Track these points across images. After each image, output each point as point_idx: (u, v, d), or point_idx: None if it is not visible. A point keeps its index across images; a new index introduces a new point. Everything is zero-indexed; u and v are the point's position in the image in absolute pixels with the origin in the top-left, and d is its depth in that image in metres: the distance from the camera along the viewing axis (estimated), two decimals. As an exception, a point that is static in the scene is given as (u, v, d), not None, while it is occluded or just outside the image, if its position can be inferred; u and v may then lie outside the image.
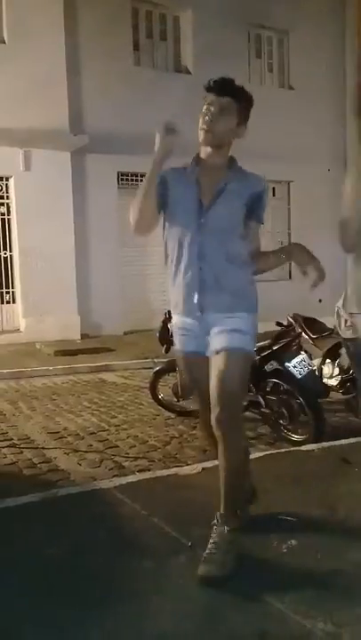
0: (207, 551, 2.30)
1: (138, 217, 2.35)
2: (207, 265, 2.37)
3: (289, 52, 12.90)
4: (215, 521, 2.40)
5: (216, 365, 2.34)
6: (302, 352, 4.32)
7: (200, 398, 2.54)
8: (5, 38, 9.86)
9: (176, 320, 2.51)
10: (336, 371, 5.10)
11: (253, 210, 2.43)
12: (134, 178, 10.87)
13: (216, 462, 3.64)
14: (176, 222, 2.41)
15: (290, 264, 14.37)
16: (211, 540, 2.33)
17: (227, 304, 2.38)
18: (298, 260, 2.47)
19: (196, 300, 2.38)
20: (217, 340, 2.37)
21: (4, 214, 10.15)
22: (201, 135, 2.38)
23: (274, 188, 12.80)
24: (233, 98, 2.37)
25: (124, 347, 9.25)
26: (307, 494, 3.04)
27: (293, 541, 2.50)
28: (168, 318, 4.78)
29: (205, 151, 2.42)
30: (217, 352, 2.35)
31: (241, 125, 2.43)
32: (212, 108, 2.34)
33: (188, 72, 11.70)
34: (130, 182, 10.94)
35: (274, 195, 12.85)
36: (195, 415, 4.97)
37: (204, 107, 2.36)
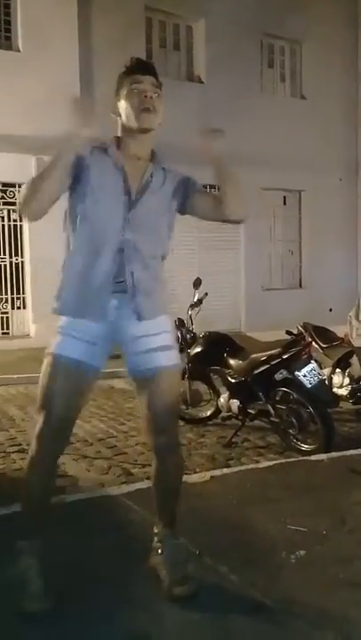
0: (172, 571, 2.17)
1: (34, 201, 2.05)
2: (130, 263, 2.12)
3: (302, 62, 12.93)
4: (158, 543, 2.28)
5: (159, 386, 2.15)
6: (312, 361, 4.31)
7: (53, 417, 2.18)
8: (20, 47, 9.97)
9: (69, 321, 2.15)
10: (346, 380, 5.08)
11: (189, 188, 2.23)
12: (146, 185, 10.92)
13: (225, 470, 3.65)
14: (97, 212, 2.12)
15: (300, 274, 14.19)
16: (169, 561, 2.20)
17: (148, 308, 2.14)
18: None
19: (112, 303, 2.12)
20: (151, 358, 2.15)
21: (15, 221, 10.22)
22: (139, 117, 2.10)
23: (285, 197, 12.82)
24: (157, 80, 2.18)
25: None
26: (316, 504, 3.02)
27: (302, 552, 2.48)
28: (178, 325, 4.79)
29: (134, 137, 2.16)
30: (154, 371, 2.15)
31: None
32: (146, 86, 2.11)
33: (200, 81, 11.76)
34: (141, 190, 11.00)
35: (285, 204, 12.86)
36: (203, 422, 4.97)
37: (133, 85, 2.12)
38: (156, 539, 2.31)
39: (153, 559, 2.29)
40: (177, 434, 2.31)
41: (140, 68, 2.18)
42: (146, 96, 2.10)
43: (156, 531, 2.31)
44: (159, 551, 2.26)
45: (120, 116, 2.19)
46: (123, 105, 2.16)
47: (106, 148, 2.17)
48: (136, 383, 2.24)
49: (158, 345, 2.16)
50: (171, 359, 2.18)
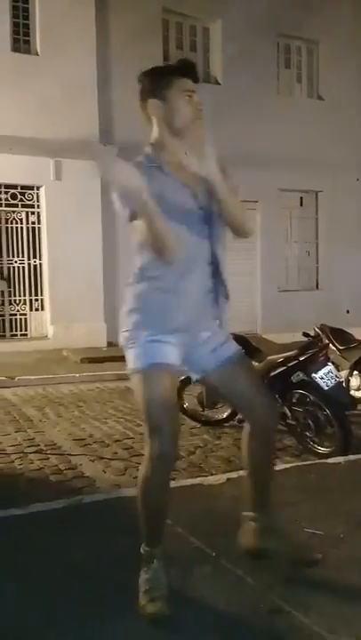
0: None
1: (168, 247, 1.97)
2: (221, 274, 2.14)
3: (318, 63, 12.88)
4: (264, 527, 2.37)
5: (238, 368, 2.25)
6: (329, 363, 4.28)
7: (166, 429, 2.08)
8: (39, 50, 10.06)
9: (150, 333, 2.07)
10: (364, 383, 5.04)
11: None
12: (162, 187, 10.95)
13: (241, 473, 3.63)
14: (182, 232, 2.02)
15: (317, 276, 14.08)
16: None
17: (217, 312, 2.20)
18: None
19: (211, 315, 2.16)
20: (222, 352, 2.20)
21: (34, 223, 10.31)
22: (194, 128, 2.05)
23: (302, 198, 12.77)
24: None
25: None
26: (333, 507, 3.00)
27: (318, 555, 2.47)
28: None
29: (177, 143, 2.07)
30: (228, 360, 2.20)
31: None
32: (197, 97, 2.06)
33: (217, 82, 11.77)
34: (158, 192, 11.03)
35: (302, 204, 12.81)
36: (220, 425, 4.97)
37: (188, 93, 2.04)
38: (257, 524, 2.36)
39: (263, 542, 2.35)
40: (274, 401, 2.50)
41: (193, 73, 2.09)
42: (200, 106, 2.06)
43: (254, 515, 2.37)
44: (269, 535, 2.35)
45: (159, 117, 2.09)
46: (172, 108, 2.05)
47: (155, 165, 2.06)
48: (221, 375, 2.23)
49: (222, 340, 2.23)
50: (236, 347, 2.28)
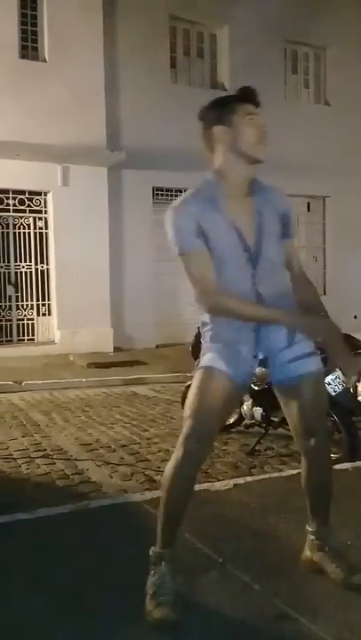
0: (342, 564, 2.28)
1: (221, 313, 2.14)
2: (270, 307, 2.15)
3: (326, 68, 12.90)
4: (317, 541, 2.36)
5: (308, 391, 2.22)
6: (337, 369, 4.26)
7: (201, 428, 2.14)
8: (47, 57, 10.13)
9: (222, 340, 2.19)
10: (371, 388, 5.01)
11: (284, 231, 2.24)
12: (169, 193, 10.98)
13: (248, 478, 3.64)
14: (227, 273, 2.12)
15: (324, 281, 14.04)
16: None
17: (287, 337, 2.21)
18: (328, 346, 2.16)
19: (253, 352, 2.19)
20: (297, 366, 2.20)
21: (41, 228, 10.36)
22: (258, 148, 2.12)
23: (309, 204, 12.77)
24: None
25: (156, 360, 9.28)
26: (340, 514, 2.97)
27: None
28: (199, 332, 4.78)
29: (242, 170, 2.15)
30: (301, 378, 2.20)
31: None
32: (259, 118, 2.13)
33: (224, 88, 11.79)
34: (165, 197, 11.05)
35: (309, 210, 12.81)
36: (227, 430, 4.95)
37: (253, 117, 2.12)
38: (313, 537, 2.37)
39: (316, 555, 2.36)
40: (327, 436, 2.38)
41: (253, 98, 2.16)
42: (264, 129, 2.12)
43: (311, 529, 2.38)
44: (323, 548, 2.34)
45: (225, 143, 2.13)
46: (237, 132, 2.11)
47: (212, 197, 2.12)
48: (282, 392, 2.29)
49: (302, 352, 2.20)
50: (315, 365, 2.24)
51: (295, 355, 2.20)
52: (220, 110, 2.15)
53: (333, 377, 4.15)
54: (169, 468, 2.19)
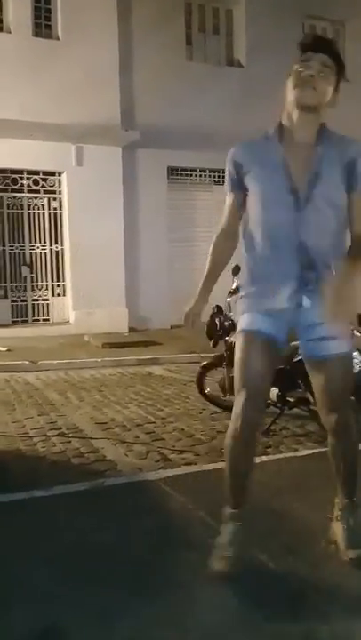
0: (349, 537, 2.31)
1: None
2: (310, 262, 2.10)
3: (345, 43, 12.62)
4: (339, 512, 2.40)
5: (332, 371, 2.22)
6: (357, 351, 4.22)
7: (248, 390, 2.19)
8: (60, 35, 10.02)
9: (255, 301, 2.21)
10: (388, 369, 4.97)
11: (351, 180, 2.10)
12: (184, 173, 10.89)
13: (263, 458, 3.64)
14: (267, 217, 2.13)
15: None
16: (346, 527, 2.33)
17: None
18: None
19: (296, 298, 2.13)
20: (326, 346, 2.18)
21: (56, 209, 10.34)
22: (296, 93, 2.05)
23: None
24: (332, 58, 2.08)
25: (171, 340, 9.28)
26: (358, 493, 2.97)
27: (342, 541, 2.45)
28: (216, 313, 4.76)
29: (296, 118, 2.09)
30: (327, 357, 2.20)
31: (337, 92, 2.13)
32: (313, 64, 2.04)
33: (240, 65, 11.61)
34: (180, 177, 10.96)
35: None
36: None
37: (299, 64, 2.06)
38: (338, 508, 2.41)
39: (334, 525, 2.41)
40: (349, 414, 2.36)
41: (310, 45, 2.10)
42: (308, 74, 2.04)
43: (336, 500, 2.42)
44: (342, 519, 2.37)
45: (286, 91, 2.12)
46: (289, 80, 2.09)
47: (268, 140, 2.15)
48: (310, 366, 2.30)
49: (331, 334, 2.16)
50: (342, 347, 2.21)
51: (324, 334, 2.16)
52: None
53: (350, 357, 4.11)
54: (228, 436, 2.26)
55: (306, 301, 2.13)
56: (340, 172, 2.09)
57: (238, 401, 2.22)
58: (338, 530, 2.38)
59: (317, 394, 2.33)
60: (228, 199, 2.30)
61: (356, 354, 4.16)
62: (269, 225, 2.14)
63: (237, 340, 2.26)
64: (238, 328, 2.26)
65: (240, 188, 2.22)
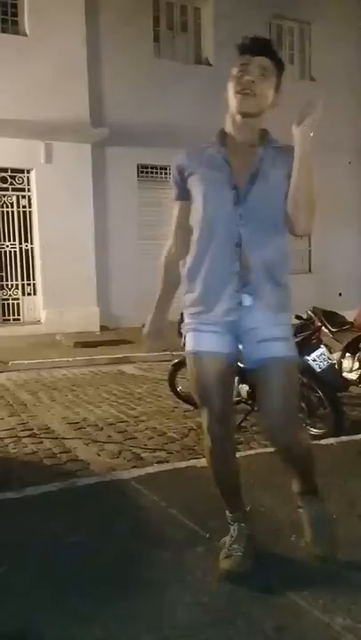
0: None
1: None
2: (249, 257, 2.08)
3: (311, 43, 12.76)
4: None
5: (272, 376, 2.11)
6: (322, 345, 4.30)
7: (208, 409, 2.18)
8: (27, 31, 9.91)
9: (196, 317, 2.19)
10: (356, 364, 5.08)
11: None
12: (154, 170, 10.87)
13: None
14: (209, 211, 2.11)
15: (310, 258, 14.04)
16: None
17: (274, 302, 2.13)
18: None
19: (236, 297, 2.10)
20: (265, 348, 2.11)
21: (25, 207, 10.24)
22: (237, 100, 2.05)
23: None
24: (271, 59, 2.07)
25: (142, 339, 9.25)
26: (325, 488, 3.01)
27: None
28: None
29: (237, 123, 2.11)
30: (268, 362, 2.11)
31: (278, 93, 2.13)
32: (251, 68, 2.03)
33: (208, 64, 11.65)
34: (150, 175, 10.95)
35: (294, 187, 12.76)
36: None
37: (238, 68, 2.05)
38: (299, 502, 2.41)
39: (303, 521, 2.40)
40: (296, 434, 2.24)
41: (248, 47, 2.08)
42: (249, 80, 2.03)
43: (300, 497, 2.40)
44: (305, 515, 2.38)
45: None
46: (229, 84, 2.10)
47: (211, 142, 2.17)
48: (254, 376, 2.21)
49: (272, 336, 2.11)
50: (285, 350, 2.13)
51: (264, 337, 2.11)
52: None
53: (319, 353, 4.19)
54: (205, 453, 2.31)
55: (247, 299, 2.10)
56: (282, 178, 2.06)
57: (203, 417, 2.22)
58: (305, 526, 2.39)
59: (260, 407, 2.22)
60: (175, 210, 2.27)
61: (323, 350, 4.24)
62: (210, 219, 2.11)
63: (188, 360, 2.23)
64: (186, 348, 2.23)
65: (185, 194, 2.19)
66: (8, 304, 10.35)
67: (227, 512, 2.36)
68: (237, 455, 3.63)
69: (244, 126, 2.11)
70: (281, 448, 2.23)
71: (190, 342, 2.21)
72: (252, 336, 2.14)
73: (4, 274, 10.25)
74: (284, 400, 2.12)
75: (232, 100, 2.08)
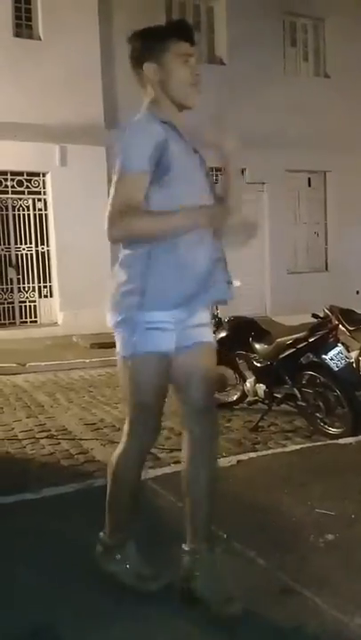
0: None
1: (130, 236, 1.96)
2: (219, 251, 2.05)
3: (325, 40, 12.66)
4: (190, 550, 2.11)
5: (194, 360, 2.05)
6: (339, 344, 4.26)
7: (153, 414, 2.13)
8: (41, 35, 9.97)
9: (162, 315, 1.96)
10: (374, 363, 5.02)
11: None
12: (169, 171, 10.87)
13: (252, 455, 3.65)
14: (189, 191, 1.94)
15: (326, 256, 13.89)
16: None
17: None
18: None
19: (224, 274, 2.04)
20: (199, 333, 2.06)
21: (41, 210, 10.29)
22: (191, 94, 1.96)
23: (310, 179, 12.64)
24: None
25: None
26: (343, 488, 3.00)
27: (330, 535, 2.48)
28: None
29: (176, 112, 2.00)
30: (200, 345, 2.05)
31: None
32: (196, 59, 1.95)
33: (222, 63, 11.61)
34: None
35: (310, 185, 12.68)
36: (230, 407, 4.97)
37: (183, 56, 1.93)
38: (188, 556, 2.11)
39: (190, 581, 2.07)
40: (216, 421, 2.18)
41: (189, 36, 1.95)
42: (198, 73, 1.94)
43: (187, 548, 2.12)
44: (197, 567, 2.07)
45: (154, 82, 1.96)
46: (169, 73, 1.93)
47: (173, 126, 1.96)
48: (176, 364, 2.04)
49: (195, 323, 2.04)
50: (206, 336, 2.09)
51: (194, 322, 2.03)
52: (152, 45, 1.95)
53: (336, 352, 4.15)
54: (121, 462, 2.14)
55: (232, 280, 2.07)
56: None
57: (140, 422, 2.14)
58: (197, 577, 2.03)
59: (179, 392, 2.12)
60: (143, 179, 1.89)
61: (341, 348, 4.20)
62: (195, 203, 1.94)
63: (137, 363, 2.05)
64: (138, 348, 2.02)
65: (152, 169, 1.89)
66: (25, 306, 10.41)
67: (104, 538, 2.18)
68: (255, 455, 3.65)
69: (179, 117, 2.01)
70: (196, 436, 2.14)
71: (139, 343, 1.99)
72: (189, 321, 2.05)
73: (20, 276, 10.32)
74: (209, 385, 2.11)
75: (180, 89, 1.95)
